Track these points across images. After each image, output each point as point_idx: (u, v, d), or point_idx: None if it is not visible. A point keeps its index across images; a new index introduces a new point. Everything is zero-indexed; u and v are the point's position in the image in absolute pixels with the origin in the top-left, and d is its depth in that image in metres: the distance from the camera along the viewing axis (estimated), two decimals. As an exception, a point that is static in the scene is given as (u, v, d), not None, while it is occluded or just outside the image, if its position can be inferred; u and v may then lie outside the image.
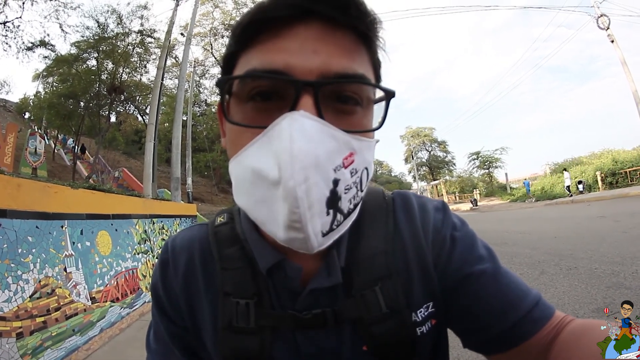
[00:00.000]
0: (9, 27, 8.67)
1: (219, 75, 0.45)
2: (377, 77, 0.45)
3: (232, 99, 0.42)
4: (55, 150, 12.07)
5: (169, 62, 11.18)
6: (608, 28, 12.27)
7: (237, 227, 0.54)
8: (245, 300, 0.48)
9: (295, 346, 0.47)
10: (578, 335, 0.42)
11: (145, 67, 12.06)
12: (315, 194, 0.35)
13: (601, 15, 12.24)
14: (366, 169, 0.41)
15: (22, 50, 9.17)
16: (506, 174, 35.96)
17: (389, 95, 0.41)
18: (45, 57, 9.92)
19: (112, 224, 5.51)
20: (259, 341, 0.47)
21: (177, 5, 9.13)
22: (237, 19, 0.43)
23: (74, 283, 4.09)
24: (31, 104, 14.48)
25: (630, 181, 15.51)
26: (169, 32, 9.39)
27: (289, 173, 0.33)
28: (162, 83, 10.05)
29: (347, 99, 0.40)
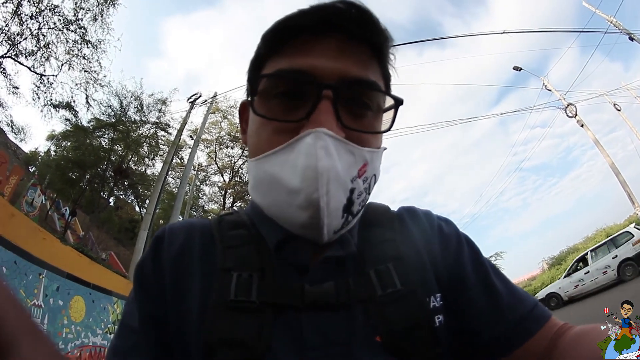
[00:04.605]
0: (43, 81, 9.38)
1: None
2: (387, 88, 0.50)
3: (258, 96, 0.46)
4: (49, 213, 11.67)
5: (174, 162, 12.10)
6: (576, 115, 13.57)
7: (243, 216, 0.54)
8: (248, 272, 0.44)
9: (299, 334, 0.42)
10: (580, 336, 0.43)
11: (153, 159, 12.91)
12: (334, 203, 0.41)
13: (568, 105, 13.66)
14: (374, 175, 0.47)
15: (49, 105, 9.74)
16: (505, 279, 34.38)
17: (398, 102, 0.47)
18: (67, 119, 10.55)
19: (90, 294, 5.17)
20: (258, 323, 0.41)
21: (191, 108, 10.53)
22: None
23: (35, 335, 3.57)
24: (39, 159, 14.63)
25: (629, 249, 14.93)
26: (180, 131, 10.54)
27: (313, 187, 0.39)
28: (165, 177, 10.68)
29: (361, 103, 0.45)
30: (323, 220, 0.40)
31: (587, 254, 11.28)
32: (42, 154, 14.94)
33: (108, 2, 9.21)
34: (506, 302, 0.49)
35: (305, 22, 0.43)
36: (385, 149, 0.49)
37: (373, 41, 0.45)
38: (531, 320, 0.47)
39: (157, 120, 12.27)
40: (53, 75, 9.44)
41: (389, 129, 0.48)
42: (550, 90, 14.49)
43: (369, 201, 0.53)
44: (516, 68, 15.06)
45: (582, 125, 13.65)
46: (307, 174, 0.39)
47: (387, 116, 0.49)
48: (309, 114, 0.42)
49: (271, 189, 0.44)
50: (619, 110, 14.86)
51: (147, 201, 11.89)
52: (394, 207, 0.59)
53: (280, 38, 0.45)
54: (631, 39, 11.44)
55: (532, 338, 0.46)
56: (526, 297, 0.51)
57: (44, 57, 9.05)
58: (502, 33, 10.84)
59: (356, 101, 0.45)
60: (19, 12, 8.22)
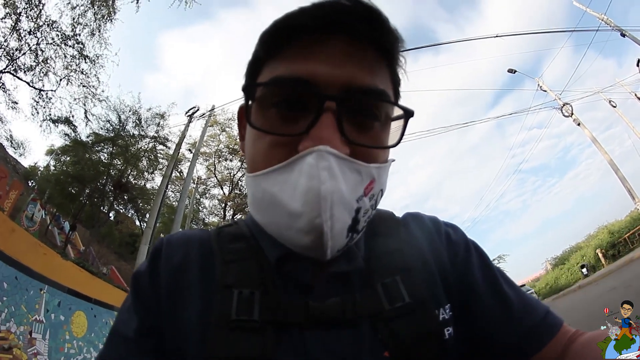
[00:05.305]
0: (42, 96, 9.43)
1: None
2: (397, 95, 0.47)
3: (255, 104, 0.43)
4: (49, 227, 11.58)
5: (173, 175, 12.09)
6: (572, 114, 13.54)
7: (243, 227, 0.51)
8: (250, 289, 0.42)
9: (303, 352, 0.40)
10: (588, 342, 0.42)
11: (152, 172, 12.92)
12: (339, 226, 0.38)
13: (564, 105, 13.62)
14: (381, 190, 0.44)
15: (47, 120, 9.76)
16: (508, 282, 34.09)
17: (408, 114, 0.43)
18: (66, 134, 10.63)
19: (92, 309, 5.11)
20: (260, 343, 0.39)
21: (189, 121, 10.53)
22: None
23: (35, 350, 3.58)
24: (39, 174, 14.59)
25: (632, 245, 15.22)
26: (179, 144, 10.53)
27: (316, 211, 0.36)
28: (165, 190, 10.65)
29: (367, 114, 0.42)
30: (327, 243, 0.37)
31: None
32: (42, 169, 15.00)
33: (105, 17, 9.33)
34: (517, 310, 0.47)
35: (306, 22, 0.39)
36: (393, 160, 0.46)
37: (382, 42, 0.41)
38: (543, 328, 0.46)
39: (155, 135, 12.35)
40: (52, 90, 9.49)
41: (397, 143, 0.44)
42: (545, 91, 14.62)
43: None
44: (510, 70, 15.22)
45: (578, 124, 13.72)
46: (309, 198, 0.36)
47: (395, 124, 0.46)
48: (310, 128, 0.38)
49: (270, 209, 0.41)
50: (615, 107, 15.01)
51: (147, 215, 11.83)
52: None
53: (279, 40, 0.41)
54: (623, 35, 11.57)
55: (545, 347, 0.45)
56: (537, 305, 0.49)
57: (43, 72, 9.11)
58: (495, 37, 10.97)
59: (362, 112, 0.41)
60: (17, 28, 8.31)
